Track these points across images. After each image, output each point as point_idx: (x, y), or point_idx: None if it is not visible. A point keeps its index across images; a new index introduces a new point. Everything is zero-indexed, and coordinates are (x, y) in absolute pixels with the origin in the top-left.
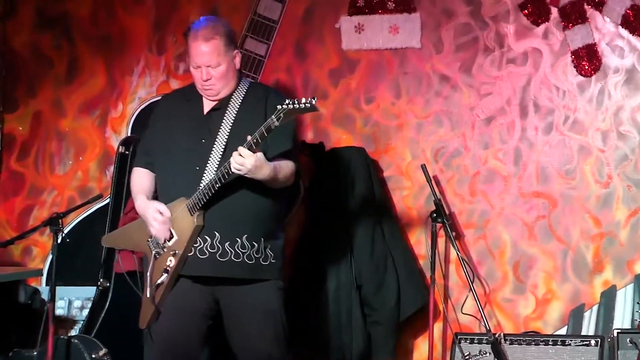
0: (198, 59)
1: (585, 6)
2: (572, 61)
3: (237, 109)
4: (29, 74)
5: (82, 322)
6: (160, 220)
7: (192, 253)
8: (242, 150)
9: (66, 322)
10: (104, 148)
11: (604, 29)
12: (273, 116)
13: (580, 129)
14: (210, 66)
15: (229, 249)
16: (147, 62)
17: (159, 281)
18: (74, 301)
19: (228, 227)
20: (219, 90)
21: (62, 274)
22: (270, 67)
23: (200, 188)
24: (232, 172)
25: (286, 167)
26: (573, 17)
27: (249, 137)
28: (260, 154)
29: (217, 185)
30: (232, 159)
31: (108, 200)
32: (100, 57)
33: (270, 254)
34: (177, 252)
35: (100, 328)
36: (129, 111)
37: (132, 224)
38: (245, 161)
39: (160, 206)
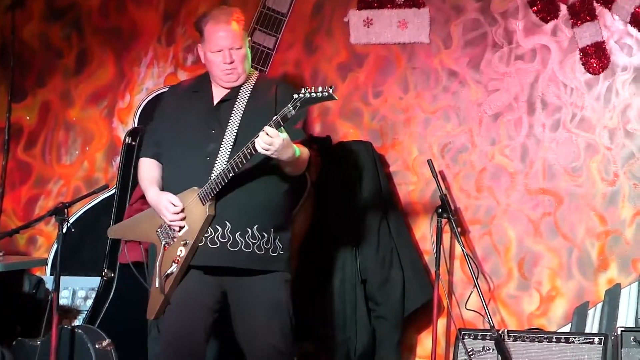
0: (221, 41)
1: (595, 4)
2: (581, 58)
3: (246, 100)
4: (37, 64)
5: (86, 312)
6: (173, 210)
7: (203, 243)
8: (269, 129)
9: (70, 312)
10: (111, 139)
11: (612, 26)
12: (290, 105)
13: (588, 127)
14: (233, 48)
15: (240, 239)
16: (155, 53)
17: (168, 271)
18: (78, 291)
19: (239, 217)
20: (239, 74)
21: (66, 264)
22: (278, 61)
23: (212, 178)
24: (256, 152)
25: (304, 152)
26: (582, 14)
27: (265, 128)
28: (285, 134)
29: (231, 174)
30: (258, 139)
31: (114, 191)
32: (109, 48)
33: (279, 246)
34: (187, 241)
35: (104, 318)
36: (136, 102)
37: (139, 215)
38: (274, 140)
39: (173, 197)
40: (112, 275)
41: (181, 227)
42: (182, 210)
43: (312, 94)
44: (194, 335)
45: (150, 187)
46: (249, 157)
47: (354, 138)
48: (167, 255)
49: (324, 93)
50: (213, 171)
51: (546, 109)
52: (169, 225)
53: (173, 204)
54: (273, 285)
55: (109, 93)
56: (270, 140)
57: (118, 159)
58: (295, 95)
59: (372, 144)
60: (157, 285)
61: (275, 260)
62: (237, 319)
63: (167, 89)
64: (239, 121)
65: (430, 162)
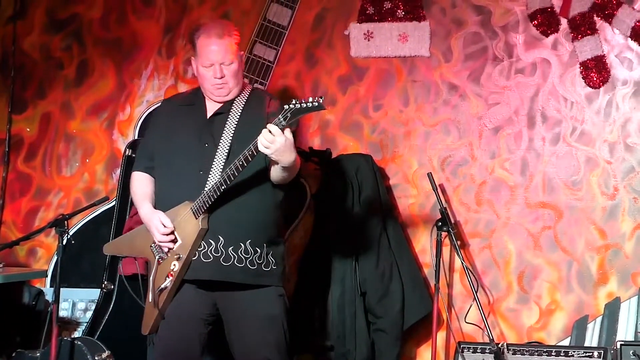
0: (212, 56)
1: (595, 18)
2: (581, 72)
3: (239, 114)
4: (38, 75)
5: (85, 324)
6: (162, 231)
7: (196, 257)
8: (272, 127)
9: (70, 323)
10: (111, 150)
11: (613, 40)
12: (280, 115)
13: (588, 141)
14: (224, 63)
15: (233, 254)
16: (156, 66)
17: (162, 286)
18: (78, 303)
19: (233, 232)
20: (230, 89)
21: (66, 276)
22: (278, 73)
23: (205, 191)
24: (257, 153)
25: (298, 161)
26: (582, 28)
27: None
28: (289, 135)
29: (223, 187)
30: (260, 137)
31: (114, 203)
32: (110, 60)
33: (272, 260)
34: (181, 256)
35: (104, 330)
36: (136, 114)
37: (134, 231)
38: (276, 139)
39: (164, 218)
40: (112, 287)
41: (174, 242)
42: (173, 232)
43: (302, 105)
44: (189, 348)
45: (142, 204)
46: (251, 159)
47: (354, 151)
48: (160, 270)
49: (314, 103)
50: (206, 185)
51: (546, 122)
52: (159, 245)
53: (164, 225)
54: (266, 299)
55: (110, 105)
56: (272, 139)
57: (118, 171)
58: (286, 106)
59: (372, 157)
60: (150, 300)
61: (268, 274)
62: (232, 333)
63: (160, 102)
64: (232, 135)
65: (430, 176)
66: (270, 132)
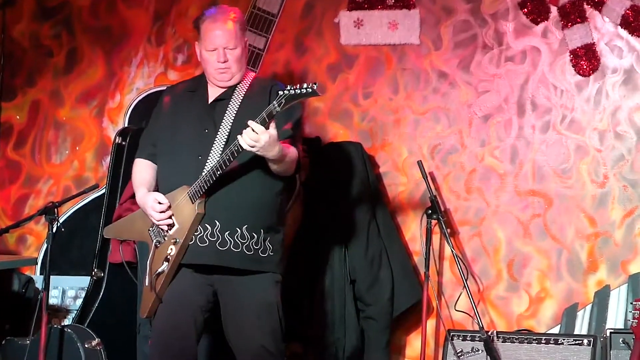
0: (216, 40)
1: (585, 6)
2: (571, 60)
3: (240, 100)
4: (27, 63)
5: (75, 312)
6: (159, 209)
7: (193, 241)
8: (255, 125)
9: (59, 311)
10: (101, 138)
11: (603, 29)
12: (275, 102)
13: (578, 129)
14: (228, 47)
15: (229, 239)
16: (145, 53)
17: (159, 270)
18: (68, 291)
19: (229, 217)
20: (233, 74)
21: (56, 263)
22: (268, 61)
23: (202, 176)
24: (242, 149)
25: (292, 152)
26: (572, 16)
27: (250, 123)
28: (273, 130)
29: (219, 172)
30: (244, 135)
31: (104, 191)
32: (99, 48)
33: (270, 247)
34: (178, 240)
35: (94, 318)
36: (126, 102)
37: (134, 214)
38: (259, 137)
39: (159, 196)
40: (102, 274)
41: (171, 226)
42: (170, 208)
43: (296, 90)
44: (185, 334)
45: (139, 188)
46: (236, 155)
47: (344, 139)
48: (158, 254)
49: (308, 89)
50: (204, 170)
51: (536, 110)
52: (158, 225)
53: (159, 202)
54: (263, 286)
55: (99, 93)
56: (256, 137)
57: (108, 159)
58: (280, 92)
59: (361, 145)
60: (146, 284)
61: (265, 261)
62: (227, 319)
63: (164, 89)
64: (232, 120)
65: (420, 164)
66: (253, 130)
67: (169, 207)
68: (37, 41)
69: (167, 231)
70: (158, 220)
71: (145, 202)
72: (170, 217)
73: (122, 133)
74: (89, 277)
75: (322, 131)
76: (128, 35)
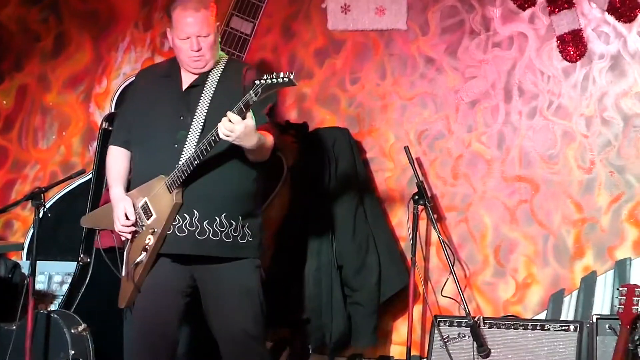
0: (188, 28)
1: None
2: (558, 46)
3: (215, 86)
4: (15, 47)
5: (62, 297)
6: (123, 222)
7: (171, 231)
8: (231, 115)
9: (46, 296)
10: (88, 123)
11: (590, 14)
12: (251, 91)
13: (564, 115)
14: (201, 35)
15: (207, 227)
16: (132, 38)
17: (137, 260)
18: (54, 276)
19: (207, 205)
20: (207, 61)
21: (42, 249)
22: (255, 46)
23: (179, 165)
24: (220, 139)
25: (269, 140)
26: (559, 2)
27: (228, 114)
28: (249, 121)
29: (196, 162)
30: (220, 125)
31: (90, 176)
32: (87, 32)
33: (248, 232)
34: (156, 230)
35: (80, 303)
36: (113, 87)
37: (110, 204)
38: (235, 127)
39: (129, 210)
40: (88, 260)
41: (150, 216)
42: (135, 224)
43: (272, 80)
44: (166, 319)
45: (114, 185)
46: (213, 144)
47: (331, 124)
48: (135, 244)
49: (285, 79)
50: (181, 159)
51: (523, 96)
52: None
53: (127, 217)
54: (243, 271)
55: (86, 77)
56: (232, 127)
57: (95, 144)
58: (257, 82)
59: (349, 131)
60: (124, 274)
61: (244, 247)
62: (208, 305)
63: (138, 73)
64: (207, 107)
65: (407, 149)
66: (230, 120)
67: (135, 222)
68: (24, 25)
69: (144, 220)
70: (119, 231)
71: (116, 204)
72: (131, 233)
73: (109, 118)
74: (76, 263)
75: (309, 117)
76: (116, 20)
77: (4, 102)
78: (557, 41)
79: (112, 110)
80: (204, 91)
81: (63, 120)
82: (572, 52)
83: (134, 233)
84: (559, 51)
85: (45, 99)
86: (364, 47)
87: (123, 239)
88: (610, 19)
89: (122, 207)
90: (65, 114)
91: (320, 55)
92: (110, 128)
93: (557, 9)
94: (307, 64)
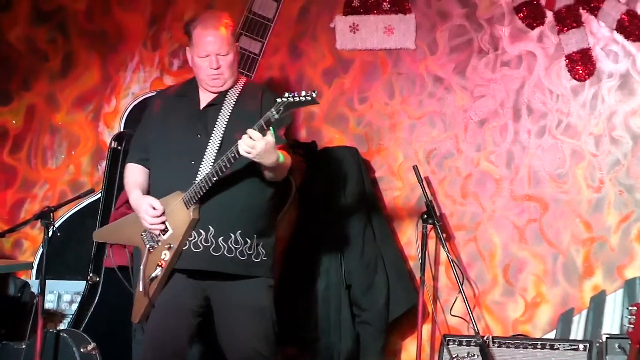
0: (209, 46)
1: (581, 10)
2: (566, 65)
3: (232, 105)
4: (23, 67)
5: (71, 316)
6: (152, 214)
7: (187, 247)
8: (252, 132)
9: (55, 315)
10: (97, 143)
11: (598, 33)
12: (273, 109)
13: (573, 133)
14: (220, 54)
15: (223, 244)
16: (141, 58)
17: (152, 275)
18: (64, 295)
19: (223, 222)
20: (225, 80)
21: (52, 268)
22: (264, 66)
23: (197, 182)
24: (239, 156)
25: (287, 159)
26: (568, 21)
27: (248, 131)
28: (270, 138)
29: (215, 178)
30: (241, 142)
31: (99, 195)
32: (95, 52)
33: (262, 251)
34: (172, 245)
35: (89, 322)
36: (122, 106)
37: (125, 218)
38: (256, 144)
39: (154, 201)
40: (98, 279)
41: (164, 231)
42: (163, 214)
43: (295, 98)
44: (177, 338)
45: (132, 191)
46: (232, 161)
47: (340, 143)
48: (151, 259)
49: (307, 97)
50: (197, 175)
51: (532, 115)
52: (150, 230)
53: (153, 207)
54: (256, 290)
55: (95, 97)
56: (253, 144)
57: (104, 163)
58: (279, 100)
59: (357, 150)
60: (141, 289)
61: (258, 265)
62: (220, 323)
63: (154, 93)
64: (224, 126)
65: (415, 168)
66: (250, 137)
67: (163, 212)
68: (32, 45)
69: (160, 236)
70: (150, 225)
71: (138, 204)
72: (163, 223)
73: (118, 137)
74: (85, 282)
75: (317, 136)
76: (124, 39)
77: (13, 121)
78: (565, 60)
79: (121, 130)
80: (221, 110)
81: (72, 140)
82: (581, 71)
83: (149, 248)
84: (568, 70)
85: (54, 118)
86: (373, 66)
87: (156, 232)
88: (619, 37)
89: (146, 202)
90: (74, 134)
91: (329, 75)
92: (119, 147)
93: (565, 28)
94: (315, 83)
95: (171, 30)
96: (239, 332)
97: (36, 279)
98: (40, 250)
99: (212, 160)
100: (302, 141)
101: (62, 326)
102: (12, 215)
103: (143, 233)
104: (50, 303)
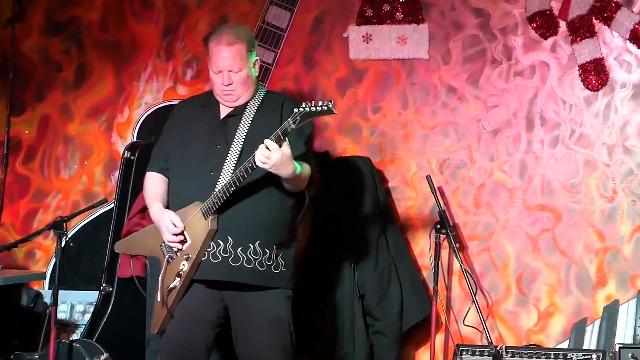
0: (220, 63)
1: (594, 20)
2: (580, 75)
3: (253, 116)
4: (37, 78)
5: (84, 327)
6: (173, 231)
7: (205, 257)
8: (268, 142)
9: (68, 326)
10: (110, 153)
11: (612, 43)
12: (290, 119)
13: (586, 143)
14: (232, 71)
15: (241, 254)
16: (154, 68)
17: (171, 285)
18: (77, 305)
19: (242, 233)
20: (238, 96)
21: (65, 278)
22: (277, 76)
23: (215, 192)
24: (256, 166)
25: (305, 169)
26: (581, 31)
27: (265, 141)
28: (286, 149)
29: (233, 189)
30: (257, 152)
31: (112, 205)
32: (109, 62)
33: (282, 262)
34: (190, 256)
35: (102, 332)
36: (135, 116)
37: (145, 230)
38: (272, 154)
39: (175, 217)
40: (111, 289)
41: (183, 242)
42: (183, 232)
43: (311, 108)
44: (195, 348)
45: (153, 203)
46: (250, 171)
47: (353, 153)
48: (170, 270)
49: (324, 107)
50: (217, 186)
51: (545, 125)
52: (168, 244)
53: (174, 225)
54: (274, 301)
55: (108, 107)
56: (269, 154)
57: (117, 173)
58: (295, 110)
59: (370, 160)
60: (159, 299)
61: (277, 276)
62: (238, 334)
63: (177, 103)
64: (244, 136)
65: (429, 178)
66: (267, 147)
67: (183, 229)
68: (46, 56)
69: (179, 247)
70: (169, 241)
71: (160, 219)
72: (181, 242)
73: (131, 148)
74: (98, 292)
75: (331, 146)
76: (137, 50)
77: (27, 132)
78: (579, 70)
79: (134, 140)
80: (241, 121)
81: (85, 150)
82: (594, 81)
83: (168, 259)
84: (581, 80)
85: (67, 128)
86: (386, 76)
87: (175, 249)
88: (632, 47)
89: (167, 218)
90: (88, 144)
91: (342, 85)
92: (132, 157)
93: (579, 38)
94: (329, 93)
95: (185, 41)
96: (256, 343)
97: (49, 289)
98: (53, 260)
99: (232, 171)
100: (316, 151)
101: (75, 336)
102: (25, 225)
103: (162, 244)
104: (63, 313)
